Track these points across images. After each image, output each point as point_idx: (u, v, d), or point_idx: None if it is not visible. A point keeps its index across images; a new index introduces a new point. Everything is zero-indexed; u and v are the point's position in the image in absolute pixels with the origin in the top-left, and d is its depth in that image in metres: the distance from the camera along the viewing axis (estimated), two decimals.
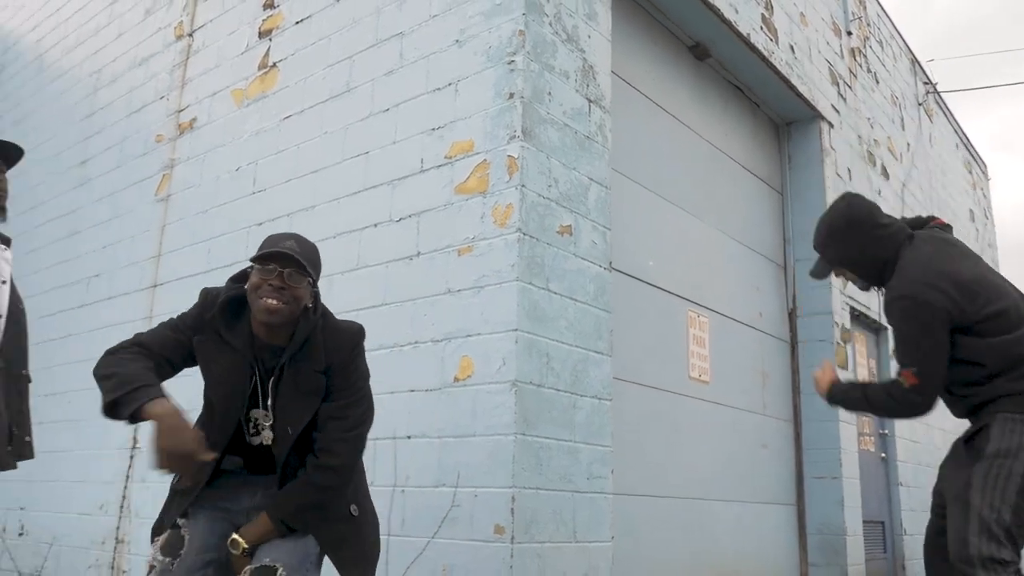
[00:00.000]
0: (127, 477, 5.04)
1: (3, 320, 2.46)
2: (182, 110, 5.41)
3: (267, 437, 2.37)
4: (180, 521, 2.34)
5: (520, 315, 3.33)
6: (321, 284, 4.08)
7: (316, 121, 4.44)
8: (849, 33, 7.31)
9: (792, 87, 5.97)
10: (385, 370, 3.68)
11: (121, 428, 4.70)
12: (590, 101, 3.95)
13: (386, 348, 3.72)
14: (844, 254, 2.92)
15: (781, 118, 6.41)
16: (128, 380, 2.12)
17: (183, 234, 5.08)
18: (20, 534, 5.83)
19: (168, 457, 2.04)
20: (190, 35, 5.60)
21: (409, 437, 3.56)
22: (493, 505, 3.23)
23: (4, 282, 2.50)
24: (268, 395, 2.35)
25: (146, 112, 5.75)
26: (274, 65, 4.82)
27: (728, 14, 5.21)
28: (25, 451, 2.49)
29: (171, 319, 2.43)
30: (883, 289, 2.86)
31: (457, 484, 3.35)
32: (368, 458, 3.55)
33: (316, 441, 2.36)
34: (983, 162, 11.61)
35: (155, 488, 4.49)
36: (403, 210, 3.86)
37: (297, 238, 2.40)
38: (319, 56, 4.54)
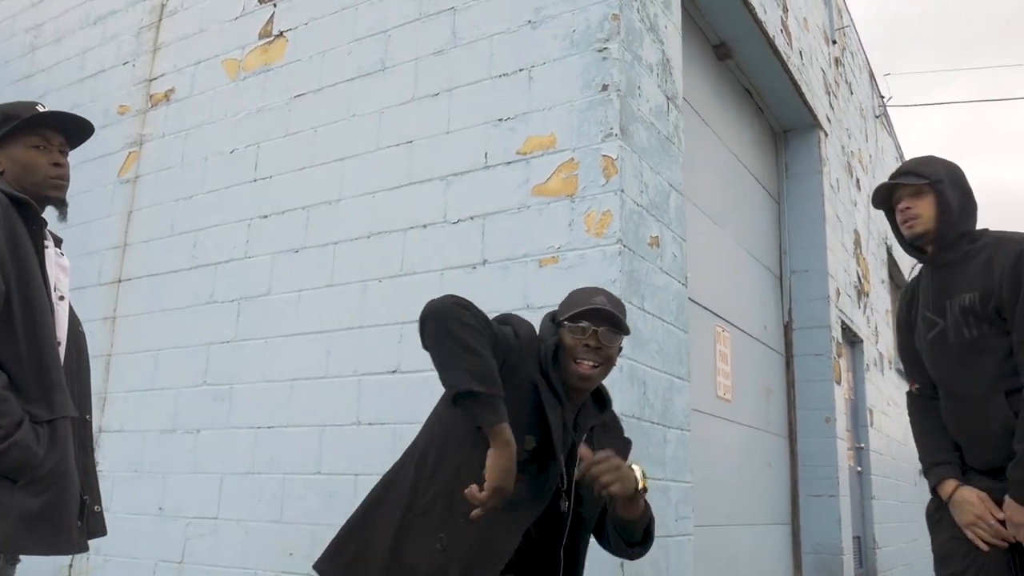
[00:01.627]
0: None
1: (63, 347, 1.86)
2: (154, 78, 4.69)
3: (563, 505, 2.03)
4: None
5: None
6: (354, 290, 3.57)
7: (340, 102, 3.87)
8: (834, 42, 7.23)
9: (801, 93, 5.79)
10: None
11: None
12: (668, 98, 3.57)
13: None
14: (951, 190, 2.43)
15: (780, 125, 6.23)
16: (492, 380, 1.83)
17: (158, 223, 4.39)
18: None
19: (496, 491, 1.77)
20: None
21: None
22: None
23: (62, 298, 1.90)
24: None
25: (104, 78, 4.97)
26: (281, 34, 4.20)
27: (760, 14, 4.95)
28: (98, 526, 1.91)
29: (494, 320, 2.10)
30: (927, 257, 2.43)
31: None
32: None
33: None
34: None
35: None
36: (462, 210, 3.37)
37: (605, 293, 2.17)
38: (343, 27, 3.96)
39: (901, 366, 9.23)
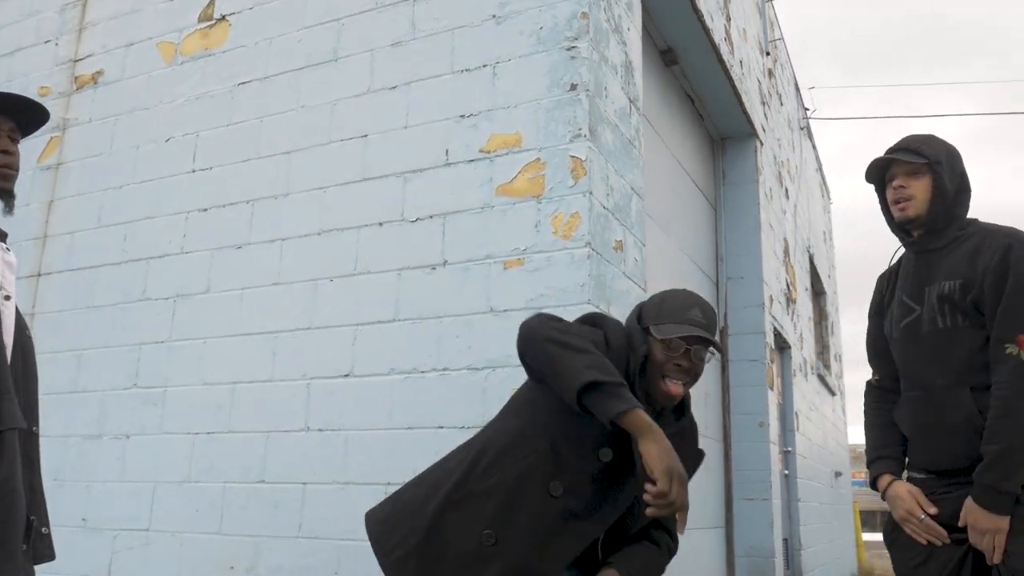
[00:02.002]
0: None
1: (9, 351, 1.66)
2: (80, 59, 4.39)
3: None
4: None
5: None
6: (303, 289, 3.41)
7: (288, 92, 3.69)
8: (767, 54, 7.37)
9: (741, 102, 5.86)
10: (401, 402, 3.08)
11: None
12: (631, 101, 3.53)
13: (401, 373, 3.11)
14: (949, 174, 2.32)
15: (718, 133, 6.30)
16: (613, 371, 1.74)
17: (83, 213, 4.10)
18: None
19: (669, 474, 1.65)
20: None
21: None
22: None
23: (8, 297, 1.70)
24: None
25: (22, 57, 4.63)
26: (223, 18, 3.98)
27: (708, 21, 4.98)
28: (45, 550, 1.72)
29: (585, 318, 2.01)
30: (919, 238, 2.32)
31: None
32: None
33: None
34: (827, 186, 12.36)
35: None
36: (421, 208, 3.25)
37: (699, 303, 2.02)
38: (291, 14, 3.78)
39: (822, 371, 9.45)
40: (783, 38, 8.50)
